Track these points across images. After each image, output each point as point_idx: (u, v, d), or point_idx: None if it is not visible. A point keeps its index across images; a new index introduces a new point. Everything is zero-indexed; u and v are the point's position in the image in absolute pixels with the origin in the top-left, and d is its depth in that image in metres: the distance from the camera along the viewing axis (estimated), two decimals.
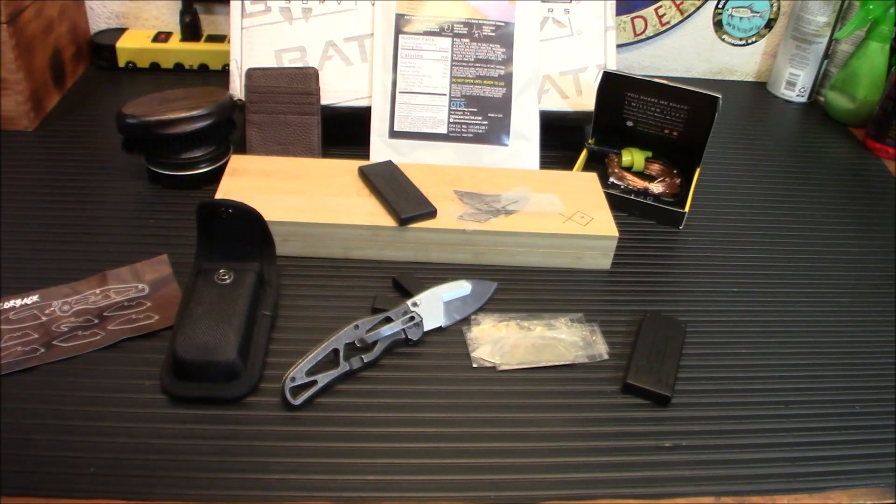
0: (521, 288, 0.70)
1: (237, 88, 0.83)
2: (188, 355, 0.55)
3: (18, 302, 0.62)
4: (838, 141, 1.03)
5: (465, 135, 0.84)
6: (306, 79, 0.82)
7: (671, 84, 0.80)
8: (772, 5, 1.12)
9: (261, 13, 0.84)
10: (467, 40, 0.85)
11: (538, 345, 0.63)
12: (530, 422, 0.57)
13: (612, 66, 0.89)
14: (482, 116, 0.84)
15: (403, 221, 0.69)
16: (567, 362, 0.62)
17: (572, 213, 0.73)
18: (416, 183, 0.74)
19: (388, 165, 0.76)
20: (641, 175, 0.85)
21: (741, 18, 1.13)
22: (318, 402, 0.56)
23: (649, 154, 0.86)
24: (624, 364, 0.62)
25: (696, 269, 0.75)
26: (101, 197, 0.77)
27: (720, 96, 0.76)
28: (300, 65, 0.84)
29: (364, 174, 0.74)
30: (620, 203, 0.81)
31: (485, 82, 0.85)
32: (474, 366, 0.61)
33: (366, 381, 0.59)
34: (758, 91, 1.16)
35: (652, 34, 1.12)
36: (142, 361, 0.58)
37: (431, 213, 0.70)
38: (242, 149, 0.82)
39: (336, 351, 0.58)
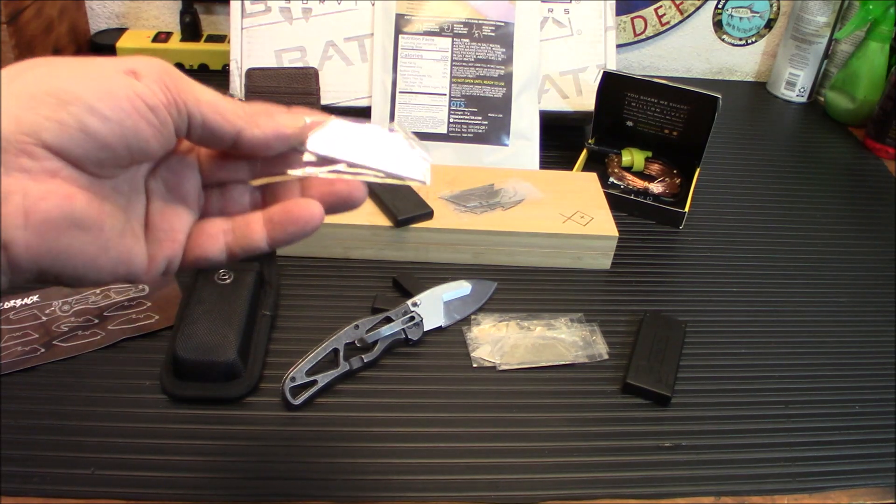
0: (521, 288, 0.70)
1: (237, 88, 0.83)
2: (188, 355, 0.55)
3: (18, 302, 0.62)
4: (838, 141, 1.03)
5: (465, 135, 0.84)
6: (306, 79, 0.82)
7: (671, 84, 0.80)
8: (772, 5, 1.12)
9: (261, 13, 0.84)
10: (467, 40, 0.85)
11: (538, 345, 0.63)
12: (530, 422, 0.57)
13: (612, 66, 0.89)
14: (482, 116, 0.84)
15: (400, 223, 0.69)
16: (567, 362, 0.62)
17: (572, 213, 0.73)
18: (414, 183, 0.74)
19: None
20: (641, 175, 0.85)
21: (741, 18, 1.13)
22: (318, 402, 0.56)
23: (649, 154, 0.86)
24: (624, 364, 0.62)
25: (696, 269, 0.75)
26: None
27: (720, 96, 0.76)
28: (300, 65, 0.84)
29: None
30: (620, 203, 0.81)
31: (485, 82, 0.85)
32: (474, 366, 0.61)
33: (366, 381, 0.59)
34: (758, 91, 1.16)
35: (652, 34, 1.12)
36: (142, 361, 0.58)
37: (428, 214, 0.70)
38: None
39: (336, 351, 0.58)
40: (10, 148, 0.26)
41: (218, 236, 0.34)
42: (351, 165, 0.34)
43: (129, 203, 0.31)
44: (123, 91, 0.28)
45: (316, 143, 0.33)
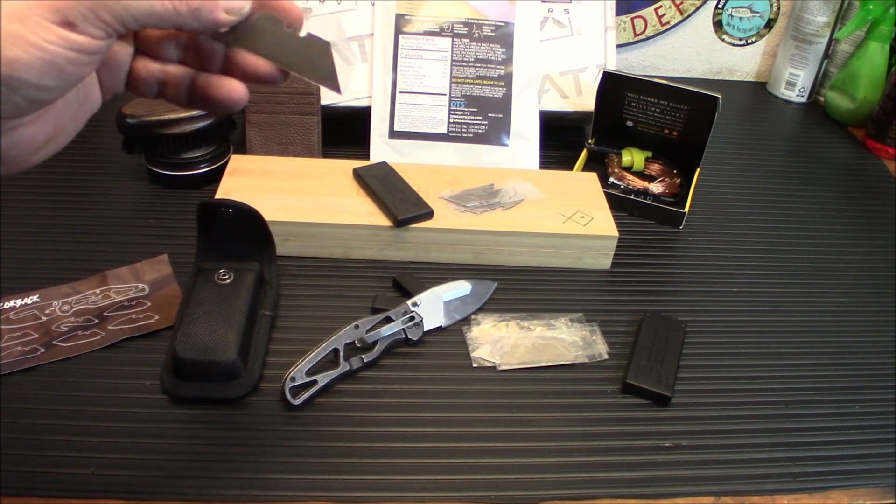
0: (521, 288, 0.70)
1: None
2: (188, 355, 0.55)
3: (18, 302, 0.62)
4: (838, 141, 1.03)
5: (465, 135, 0.84)
6: None
7: (671, 84, 0.80)
8: (772, 5, 1.12)
9: None
10: (467, 40, 0.85)
11: (538, 345, 0.63)
12: (530, 422, 0.57)
13: (612, 66, 0.89)
14: (482, 116, 0.84)
15: (400, 223, 0.69)
16: (567, 362, 0.62)
17: (572, 213, 0.73)
18: (414, 183, 0.74)
19: (383, 167, 0.76)
20: (641, 175, 0.85)
21: (741, 18, 1.13)
22: (318, 402, 0.56)
23: (649, 154, 0.86)
24: (624, 364, 0.62)
25: (696, 269, 0.75)
26: (101, 197, 0.77)
27: (720, 96, 0.76)
28: None
29: (359, 176, 0.74)
30: (620, 203, 0.81)
31: (485, 82, 0.85)
32: (474, 366, 0.61)
33: (366, 381, 0.59)
34: (758, 91, 1.16)
35: (652, 34, 1.12)
36: (142, 361, 0.58)
37: (428, 214, 0.70)
38: (242, 149, 0.82)
39: (336, 351, 0.58)
40: None
41: (151, 83, 0.37)
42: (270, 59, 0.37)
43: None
44: (63, 56, 0.30)
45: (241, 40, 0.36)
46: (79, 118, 0.35)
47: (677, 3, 1.09)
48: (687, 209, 0.80)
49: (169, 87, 0.38)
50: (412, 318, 0.62)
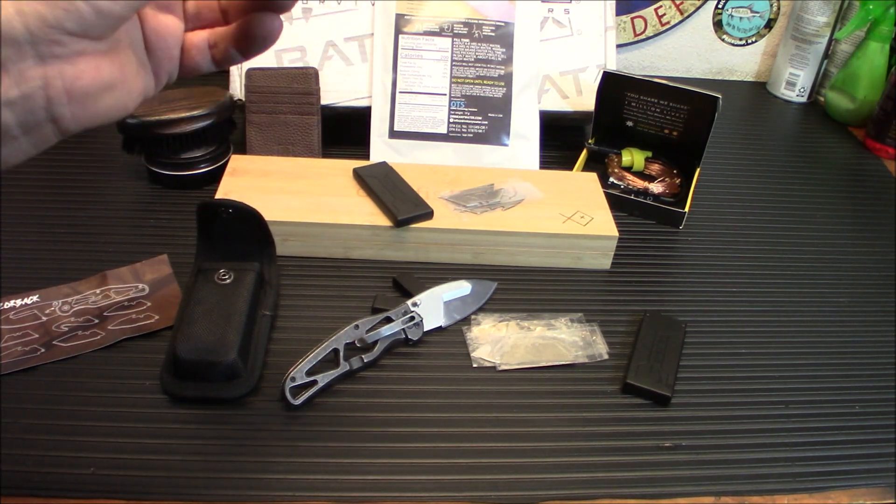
0: (521, 288, 0.70)
1: (237, 88, 0.83)
2: (188, 355, 0.55)
3: (18, 302, 0.62)
4: (838, 141, 1.03)
5: (465, 135, 0.84)
6: (306, 79, 0.82)
7: (671, 84, 0.80)
8: (772, 5, 1.12)
9: None
10: (467, 40, 0.85)
11: (538, 345, 0.63)
12: (530, 422, 0.57)
13: (612, 66, 0.89)
14: (482, 116, 0.84)
15: (400, 223, 0.69)
16: (567, 362, 0.62)
17: (572, 213, 0.73)
18: (414, 183, 0.74)
19: (383, 167, 0.76)
20: (641, 175, 0.85)
21: (741, 18, 1.13)
22: (318, 402, 0.56)
23: (649, 154, 0.86)
24: (624, 364, 0.62)
25: (696, 269, 0.75)
26: (101, 197, 0.77)
27: (720, 96, 0.76)
28: (300, 65, 0.84)
29: (359, 175, 0.74)
30: (620, 203, 0.81)
31: (485, 82, 0.85)
32: (474, 366, 0.61)
33: (366, 381, 0.59)
34: (758, 91, 1.16)
35: (652, 34, 1.12)
36: (142, 361, 0.58)
37: (428, 214, 0.70)
38: (242, 149, 0.82)
39: (336, 351, 0.58)
40: (42, 41, 0.30)
41: (204, 49, 0.38)
42: None
43: (133, 37, 0.35)
44: None
45: None
46: (139, 79, 0.36)
47: (677, 3, 1.09)
48: (687, 209, 0.80)
49: (218, 48, 0.38)
50: (412, 318, 0.62)
